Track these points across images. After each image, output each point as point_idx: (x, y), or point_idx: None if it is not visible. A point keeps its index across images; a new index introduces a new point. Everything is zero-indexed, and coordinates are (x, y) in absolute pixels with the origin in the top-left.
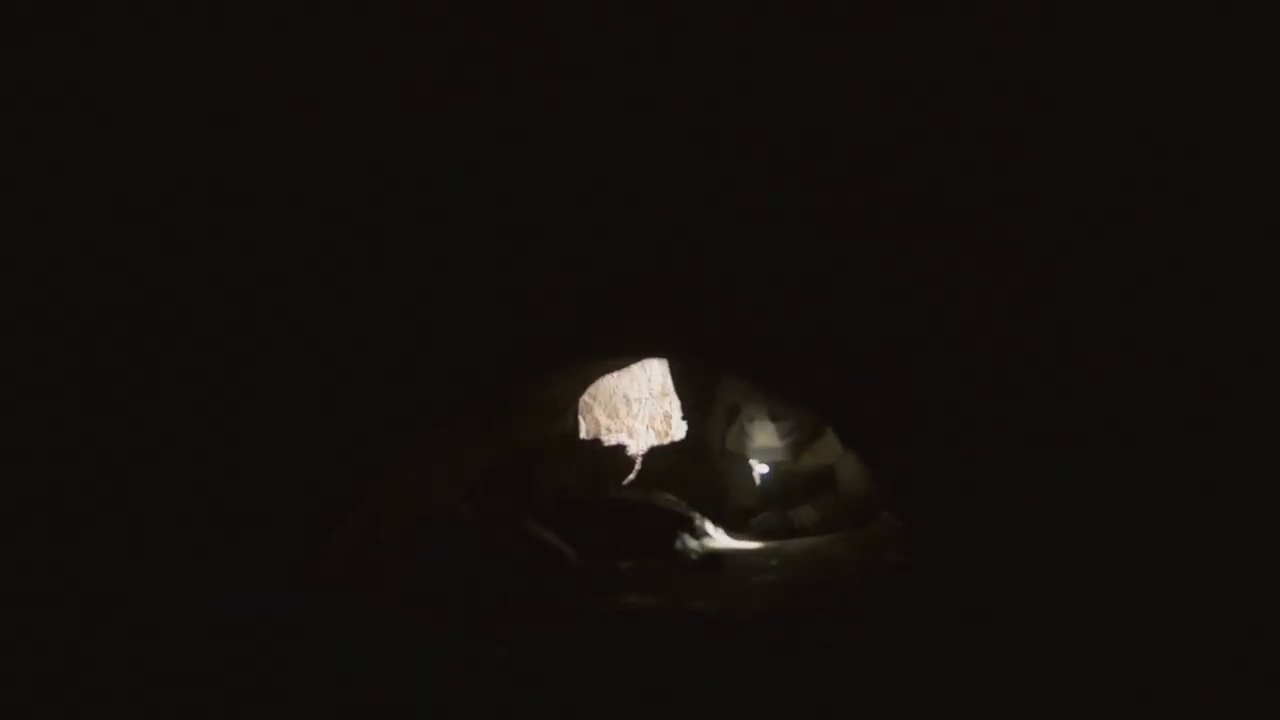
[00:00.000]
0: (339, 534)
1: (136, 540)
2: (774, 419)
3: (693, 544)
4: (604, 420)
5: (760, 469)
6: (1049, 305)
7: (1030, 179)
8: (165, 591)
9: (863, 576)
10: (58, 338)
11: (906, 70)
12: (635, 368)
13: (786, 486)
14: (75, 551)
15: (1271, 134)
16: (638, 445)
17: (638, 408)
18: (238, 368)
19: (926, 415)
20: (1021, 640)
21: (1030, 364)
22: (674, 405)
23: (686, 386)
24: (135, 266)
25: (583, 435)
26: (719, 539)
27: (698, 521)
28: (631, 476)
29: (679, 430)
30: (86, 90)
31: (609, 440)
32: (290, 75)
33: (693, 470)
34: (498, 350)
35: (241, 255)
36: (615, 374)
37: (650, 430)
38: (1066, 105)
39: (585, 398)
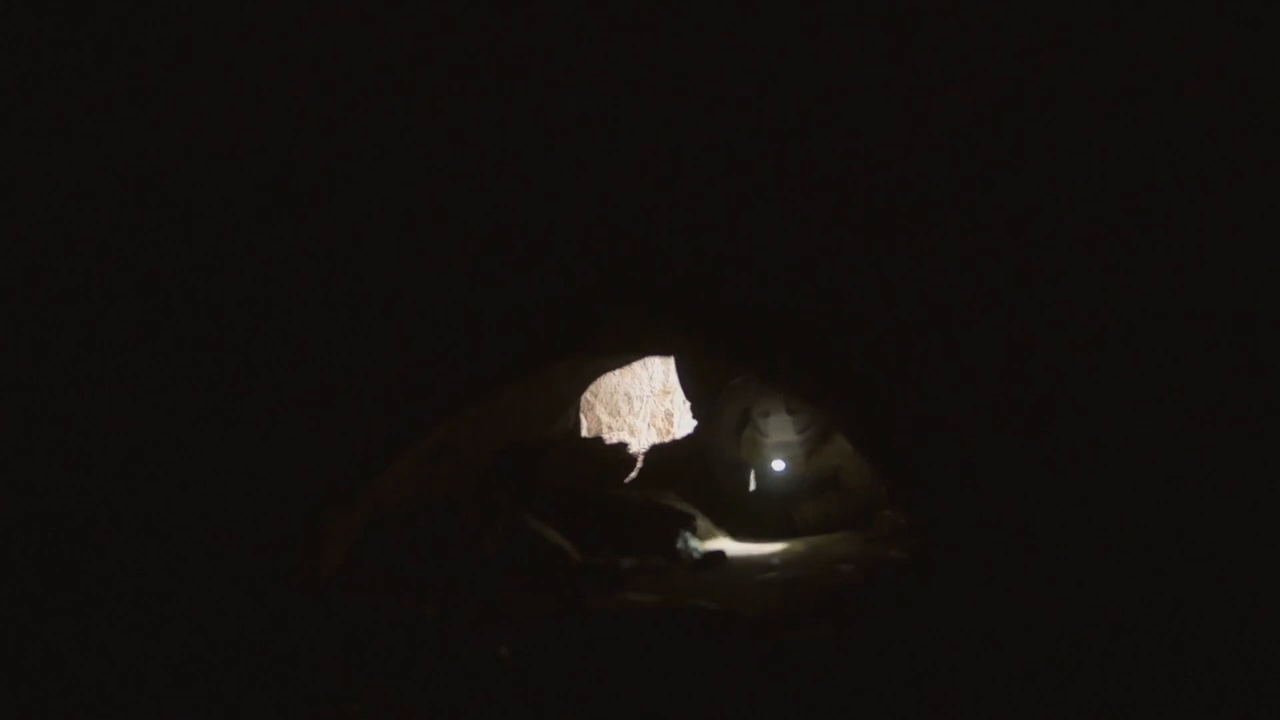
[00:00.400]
0: (339, 531)
1: (137, 540)
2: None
3: (694, 542)
4: (605, 418)
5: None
6: (1050, 308)
7: (1033, 182)
8: (165, 591)
9: (864, 575)
10: (58, 338)
11: (906, 71)
12: (637, 366)
13: (791, 485)
14: (75, 551)
15: (1269, 136)
16: (639, 443)
17: (639, 406)
18: (238, 368)
19: (929, 416)
20: (1021, 639)
21: (1031, 366)
22: (675, 403)
23: (694, 383)
24: (138, 268)
25: (584, 433)
26: (721, 537)
27: (699, 520)
28: (633, 475)
29: (681, 428)
30: (85, 91)
31: (610, 438)
32: (292, 78)
33: (695, 468)
34: (498, 348)
35: (241, 258)
36: (617, 372)
37: (652, 428)
38: (1065, 107)
39: (587, 395)
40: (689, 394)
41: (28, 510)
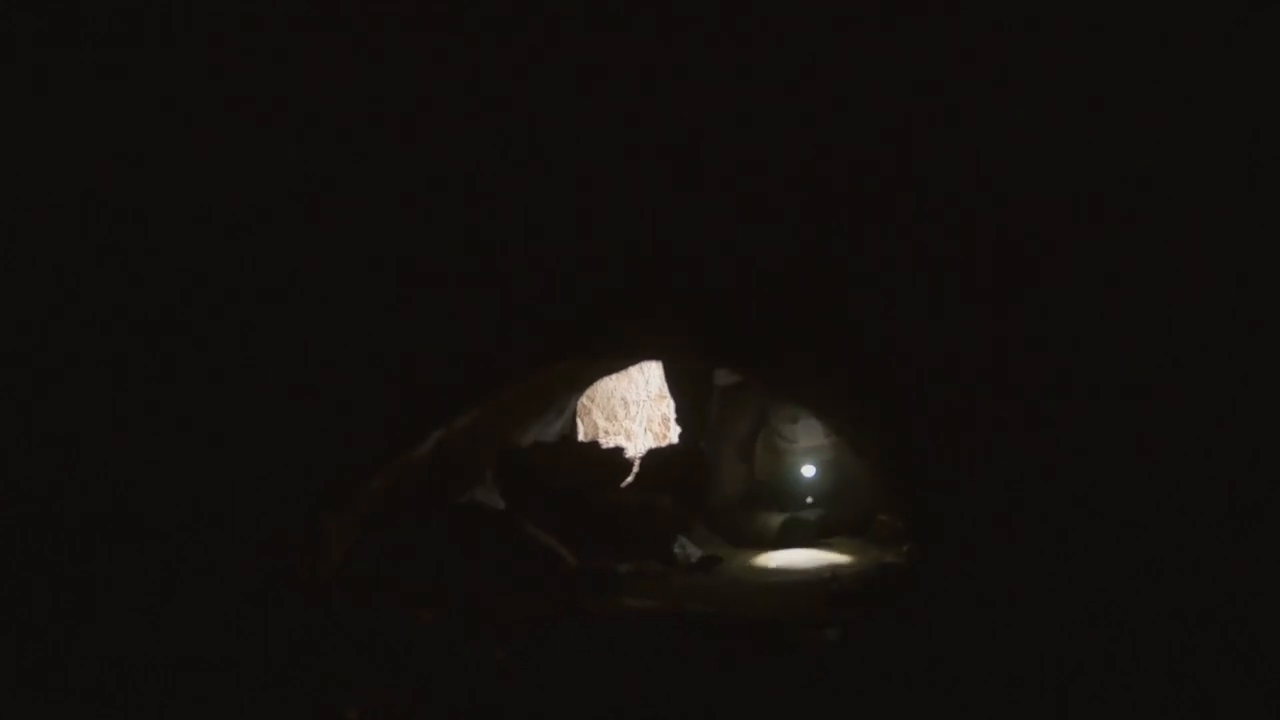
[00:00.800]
0: (336, 534)
1: (137, 540)
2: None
3: (691, 547)
4: (602, 423)
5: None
6: (1048, 312)
7: (1032, 187)
8: (165, 591)
9: (862, 579)
10: (59, 339)
11: (908, 72)
12: (634, 370)
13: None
14: (76, 552)
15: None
16: (635, 448)
17: (636, 410)
18: (237, 372)
19: (927, 421)
20: (1019, 641)
21: (1030, 371)
22: (671, 408)
23: (681, 391)
24: (139, 268)
25: (580, 437)
26: (718, 541)
27: (696, 524)
28: (629, 479)
29: (676, 433)
30: (87, 96)
31: (607, 443)
32: (292, 81)
33: (691, 473)
34: (496, 350)
35: (242, 260)
36: (613, 377)
37: (648, 433)
38: (1064, 109)
39: (583, 400)
40: (677, 401)
41: (28, 510)
